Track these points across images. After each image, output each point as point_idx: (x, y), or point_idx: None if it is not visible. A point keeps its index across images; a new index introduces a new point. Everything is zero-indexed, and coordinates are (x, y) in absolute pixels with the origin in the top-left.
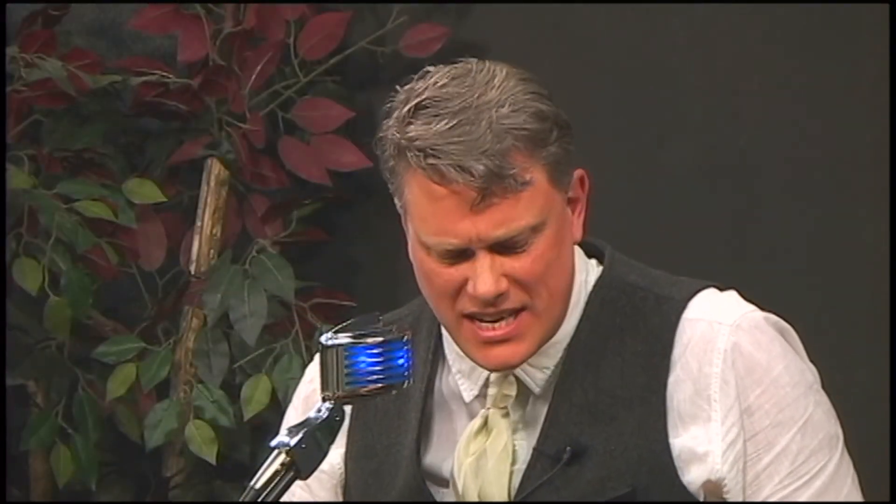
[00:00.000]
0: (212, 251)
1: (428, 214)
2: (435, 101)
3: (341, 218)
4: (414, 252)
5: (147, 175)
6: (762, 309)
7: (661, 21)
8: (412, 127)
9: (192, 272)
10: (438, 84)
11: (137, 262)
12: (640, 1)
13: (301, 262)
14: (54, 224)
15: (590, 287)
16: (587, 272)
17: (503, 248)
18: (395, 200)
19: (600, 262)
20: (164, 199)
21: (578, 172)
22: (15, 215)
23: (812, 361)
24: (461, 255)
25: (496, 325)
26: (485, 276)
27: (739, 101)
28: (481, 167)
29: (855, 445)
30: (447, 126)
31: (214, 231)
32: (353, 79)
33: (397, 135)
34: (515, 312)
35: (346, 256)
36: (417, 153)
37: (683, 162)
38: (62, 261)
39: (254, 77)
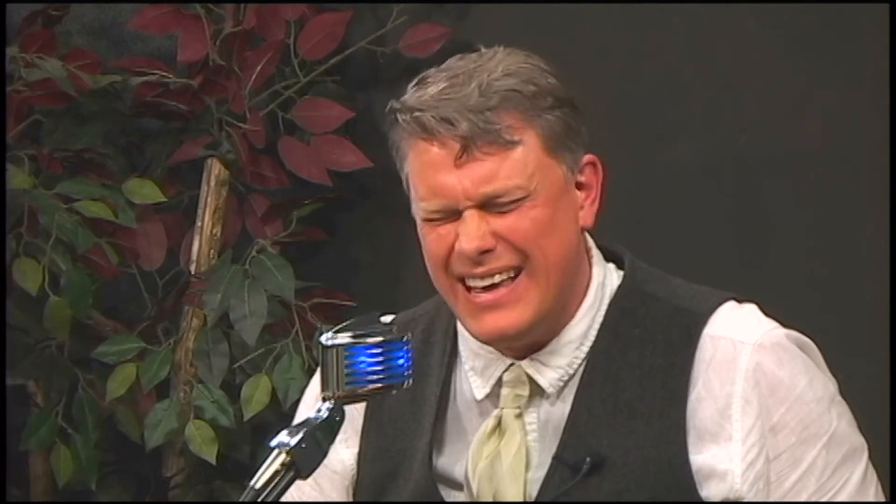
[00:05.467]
0: (212, 251)
1: (420, 177)
2: (436, 72)
3: (341, 218)
4: (419, 229)
5: (147, 175)
6: (781, 324)
7: (661, 21)
8: (408, 95)
9: (192, 272)
10: (446, 64)
11: (137, 262)
12: (640, 1)
13: (301, 262)
14: (54, 224)
15: (607, 290)
16: (605, 274)
17: (491, 206)
18: (403, 182)
19: (618, 266)
20: (164, 199)
21: (588, 157)
22: (15, 215)
23: None
24: (452, 215)
25: (489, 290)
26: (470, 232)
27: (739, 100)
28: (463, 120)
29: None
30: (438, 89)
31: (214, 231)
32: (353, 79)
33: (395, 105)
34: (512, 276)
35: (346, 256)
36: (405, 113)
37: (683, 161)
38: (62, 261)
39: (254, 77)
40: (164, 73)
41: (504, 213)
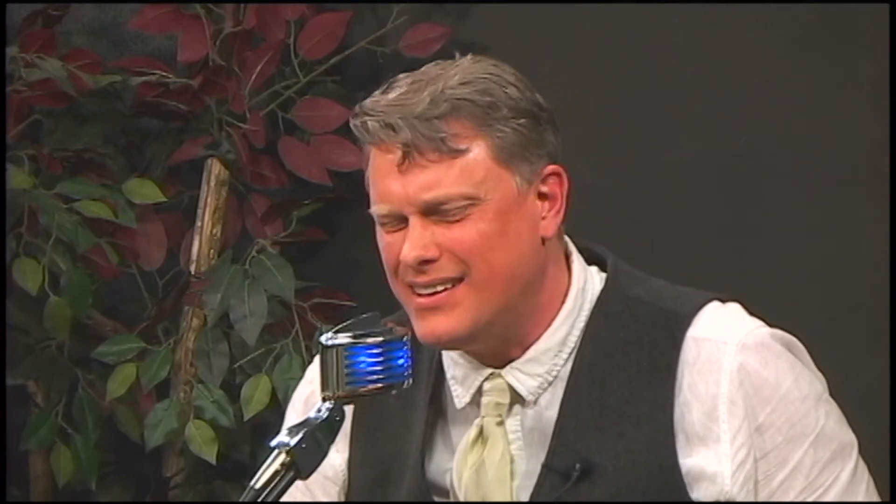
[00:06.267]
0: (212, 251)
1: (372, 181)
2: (404, 78)
3: (341, 218)
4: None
5: (147, 175)
6: (767, 323)
7: (661, 21)
8: (369, 98)
9: (192, 272)
10: (420, 70)
11: (137, 262)
12: (640, 1)
13: (301, 262)
14: (54, 224)
15: (588, 295)
16: (586, 279)
17: (436, 214)
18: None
19: (601, 269)
20: (164, 199)
21: (551, 168)
22: (15, 215)
23: (813, 360)
24: (400, 221)
25: (431, 295)
26: (412, 241)
27: (739, 101)
28: (404, 124)
29: None
30: (395, 95)
31: (214, 231)
32: (353, 79)
33: (356, 108)
34: (452, 282)
35: (346, 256)
36: (357, 118)
37: (683, 161)
38: (62, 261)
39: (254, 77)
40: (164, 73)
41: (451, 222)
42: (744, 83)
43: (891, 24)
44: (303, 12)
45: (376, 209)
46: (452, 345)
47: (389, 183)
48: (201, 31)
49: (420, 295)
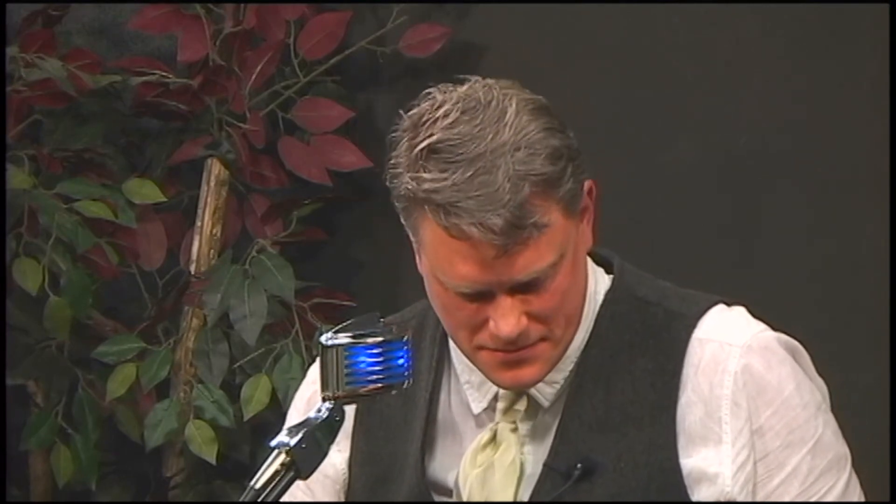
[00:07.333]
0: (212, 251)
1: (446, 261)
2: (449, 144)
3: (341, 218)
4: (429, 282)
5: (147, 175)
6: (771, 326)
7: (662, 20)
8: (427, 176)
9: (192, 272)
10: (449, 121)
11: (137, 262)
12: (641, 1)
13: (301, 262)
14: (54, 224)
15: (598, 298)
16: (596, 282)
17: (524, 287)
18: (408, 232)
19: (607, 271)
20: (164, 199)
21: (588, 185)
22: (15, 215)
23: (813, 360)
24: (480, 295)
25: (512, 349)
26: (507, 318)
27: (739, 100)
28: (501, 221)
29: (855, 446)
30: (464, 176)
31: (214, 231)
32: (353, 79)
33: (412, 183)
34: (535, 342)
35: (346, 256)
36: (436, 208)
37: (683, 161)
38: (62, 261)
39: (254, 77)
40: (164, 73)
41: (535, 290)
42: (744, 83)
43: (891, 24)
44: (303, 12)
45: (455, 285)
46: (531, 386)
47: (477, 270)
48: (201, 31)
49: (500, 351)
